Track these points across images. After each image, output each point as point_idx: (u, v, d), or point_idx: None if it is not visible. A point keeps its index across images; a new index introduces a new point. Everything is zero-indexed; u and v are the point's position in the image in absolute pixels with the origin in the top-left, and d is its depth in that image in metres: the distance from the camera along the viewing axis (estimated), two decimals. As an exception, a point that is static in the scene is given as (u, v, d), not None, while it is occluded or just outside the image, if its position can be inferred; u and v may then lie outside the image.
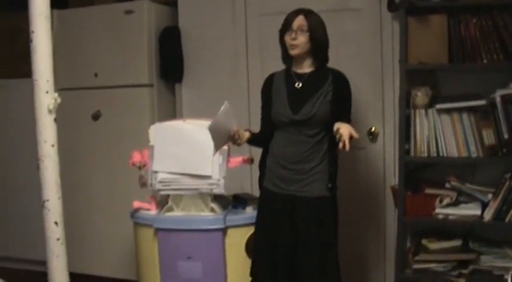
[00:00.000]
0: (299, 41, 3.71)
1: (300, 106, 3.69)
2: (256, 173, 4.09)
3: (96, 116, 5.23)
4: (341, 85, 3.78)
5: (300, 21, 3.73)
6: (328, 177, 3.75)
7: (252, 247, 3.97)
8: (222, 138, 3.64)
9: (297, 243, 3.73)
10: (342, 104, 3.76)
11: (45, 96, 3.16)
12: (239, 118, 4.33)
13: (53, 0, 2.71)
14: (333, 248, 3.76)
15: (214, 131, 3.54)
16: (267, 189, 3.87)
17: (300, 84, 3.79)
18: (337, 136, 3.45)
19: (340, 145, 3.42)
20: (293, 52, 3.75)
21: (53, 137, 3.52)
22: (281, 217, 3.77)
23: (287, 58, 3.86)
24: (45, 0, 2.76)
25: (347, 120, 3.72)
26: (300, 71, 3.83)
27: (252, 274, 3.94)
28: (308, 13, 3.76)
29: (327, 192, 3.74)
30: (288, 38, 3.75)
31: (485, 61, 4.07)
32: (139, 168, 4.22)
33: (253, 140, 3.86)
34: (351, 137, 3.44)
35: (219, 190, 4.05)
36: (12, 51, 5.61)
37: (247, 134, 3.78)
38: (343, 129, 3.44)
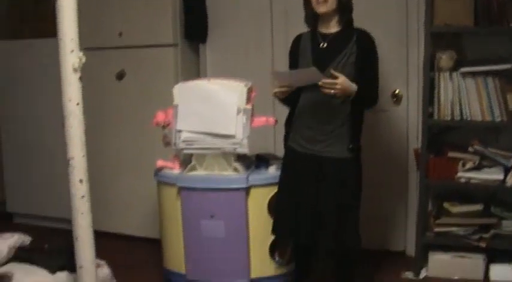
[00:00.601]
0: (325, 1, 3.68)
1: (324, 67, 3.67)
2: (279, 133, 4.11)
3: (120, 75, 5.25)
4: (365, 45, 3.75)
5: None
6: (349, 138, 3.76)
7: (274, 206, 4.01)
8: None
9: (319, 203, 3.76)
10: (366, 65, 3.73)
11: (70, 55, 3.18)
12: (262, 79, 4.35)
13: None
14: (353, 209, 3.79)
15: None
16: (292, 149, 3.89)
17: (325, 45, 3.78)
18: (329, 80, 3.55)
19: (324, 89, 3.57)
20: (320, 10, 3.71)
21: (77, 95, 3.55)
22: (304, 176, 3.80)
23: (311, 19, 3.84)
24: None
25: (371, 81, 3.74)
26: (325, 31, 3.81)
27: (273, 232, 3.99)
28: None
29: (348, 154, 3.75)
30: None
31: (511, 25, 4.03)
32: (163, 127, 4.24)
33: (285, 99, 3.87)
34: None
35: (243, 150, 4.06)
36: (38, 11, 5.63)
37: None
38: (340, 81, 3.56)
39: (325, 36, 3.80)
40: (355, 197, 3.81)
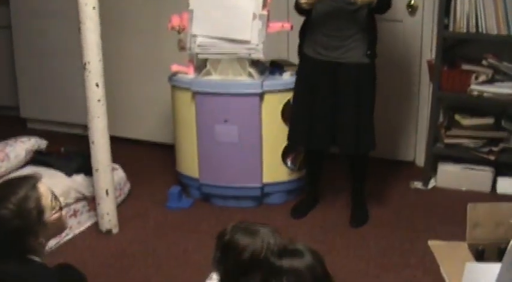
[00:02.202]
0: None
1: None
2: (293, 39, 4.10)
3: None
4: None
5: None
6: (367, 44, 3.78)
7: (290, 112, 4.05)
8: None
9: (336, 108, 3.82)
10: None
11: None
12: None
13: None
14: (370, 113, 3.87)
15: None
16: (308, 56, 3.90)
17: None
18: None
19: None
20: None
21: (93, -1, 3.57)
22: (321, 82, 3.84)
23: None
24: None
25: None
26: None
27: (289, 138, 4.06)
28: None
29: (365, 59, 3.78)
30: None
31: None
32: (179, 32, 4.23)
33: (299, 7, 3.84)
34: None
35: (258, 55, 4.07)
36: None
37: None
38: None
39: None
40: (371, 102, 3.88)
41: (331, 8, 3.73)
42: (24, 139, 4.25)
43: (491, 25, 4.14)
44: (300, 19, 3.96)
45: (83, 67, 3.68)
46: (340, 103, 3.82)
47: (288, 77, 4.19)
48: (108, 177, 3.90)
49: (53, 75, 5.69)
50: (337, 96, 3.82)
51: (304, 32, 3.93)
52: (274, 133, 4.15)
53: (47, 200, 2.17)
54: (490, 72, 4.26)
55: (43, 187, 2.20)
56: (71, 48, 5.02)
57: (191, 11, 4.15)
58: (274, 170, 4.24)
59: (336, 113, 3.84)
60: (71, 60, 5.10)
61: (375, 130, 3.95)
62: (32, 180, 2.18)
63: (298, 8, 3.84)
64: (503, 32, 4.13)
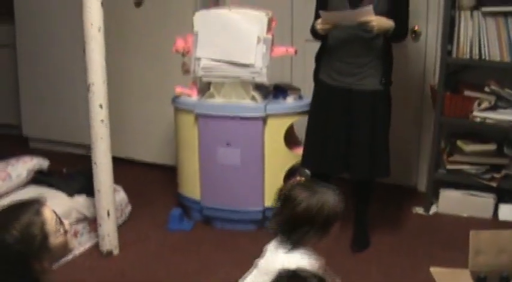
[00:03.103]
0: None
1: (358, 2, 3.66)
2: (297, 64, 4.11)
3: (138, 2, 5.22)
4: None
5: None
6: (382, 72, 3.79)
7: (305, 138, 4.05)
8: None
9: (350, 134, 3.83)
10: (399, 1, 3.74)
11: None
12: (281, 8, 4.30)
13: None
14: (384, 138, 3.88)
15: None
16: (323, 82, 3.91)
17: None
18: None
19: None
20: None
21: (99, 20, 3.58)
22: (335, 108, 3.85)
23: None
24: None
25: (402, 16, 3.74)
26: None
27: (303, 164, 4.04)
28: None
29: (380, 87, 3.80)
30: None
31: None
32: (183, 55, 4.25)
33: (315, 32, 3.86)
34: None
35: (261, 79, 4.08)
36: None
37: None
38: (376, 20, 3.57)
39: None
40: (386, 128, 3.90)
41: (348, 34, 3.74)
42: (27, 159, 4.24)
43: (494, 52, 4.16)
44: (303, 45, 3.98)
45: (87, 88, 3.69)
46: (355, 129, 3.82)
47: (291, 101, 4.21)
48: (110, 198, 3.89)
49: (57, 94, 5.70)
50: (351, 122, 3.82)
51: (320, 57, 3.94)
52: (277, 157, 4.15)
53: (51, 225, 2.16)
54: (492, 98, 4.27)
55: (48, 211, 2.19)
56: (75, 68, 5.05)
57: (196, 34, 4.17)
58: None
59: (350, 139, 3.85)
60: (75, 80, 5.12)
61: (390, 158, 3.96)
62: (36, 205, 2.17)
63: (314, 33, 3.85)
64: (506, 58, 4.15)
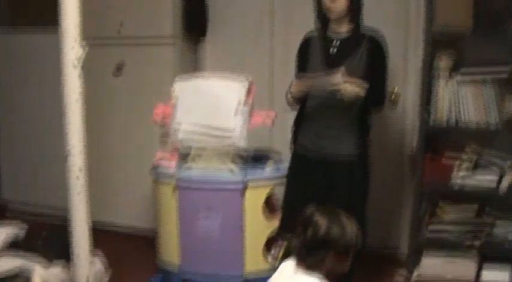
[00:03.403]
0: (338, 2, 3.69)
1: (336, 66, 3.68)
2: (277, 130, 4.11)
3: (119, 67, 5.24)
4: (375, 50, 3.76)
5: None
6: (358, 137, 3.80)
7: (282, 202, 4.02)
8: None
9: (327, 201, 3.79)
10: (374, 69, 3.75)
11: (72, 50, 3.20)
12: (261, 74, 4.33)
13: None
14: (361, 208, 3.84)
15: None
16: (301, 147, 3.91)
17: (336, 48, 3.78)
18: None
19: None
20: (332, 10, 3.71)
21: (78, 90, 3.57)
22: (313, 175, 3.83)
23: (322, 20, 3.84)
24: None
25: (378, 84, 3.75)
26: (335, 33, 3.80)
27: (281, 229, 4.00)
28: None
29: (357, 152, 3.79)
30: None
31: (511, 28, 4.05)
32: (162, 122, 4.25)
33: (298, 100, 3.88)
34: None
35: (241, 144, 4.08)
36: (40, 1, 5.62)
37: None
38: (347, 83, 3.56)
39: (335, 40, 3.79)
40: (363, 197, 3.87)
41: (325, 100, 3.74)
42: (5, 223, 4.20)
43: (472, 116, 4.18)
44: (283, 111, 3.98)
45: (65, 157, 3.66)
46: (332, 197, 3.79)
47: (270, 167, 4.20)
48: (88, 266, 3.83)
49: (36, 159, 5.69)
50: (328, 188, 3.80)
51: (297, 123, 3.95)
52: (257, 224, 4.12)
53: None
54: (471, 162, 4.27)
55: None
56: (54, 134, 5.03)
57: (176, 100, 4.17)
58: (256, 262, 4.19)
59: (327, 204, 3.81)
60: (54, 146, 5.10)
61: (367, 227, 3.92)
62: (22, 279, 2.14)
63: (290, 102, 3.87)
64: (484, 122, 4.16)
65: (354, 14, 3.75)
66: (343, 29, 3.79)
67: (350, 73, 3.63)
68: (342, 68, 3.55)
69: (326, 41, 3.82)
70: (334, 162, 3.79)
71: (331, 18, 3.76)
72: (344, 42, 3.78)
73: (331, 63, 3.74)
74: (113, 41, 5.23)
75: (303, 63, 3.89)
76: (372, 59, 3.74)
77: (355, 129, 3.79)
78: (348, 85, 3.56)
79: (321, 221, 2.52)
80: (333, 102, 3.71)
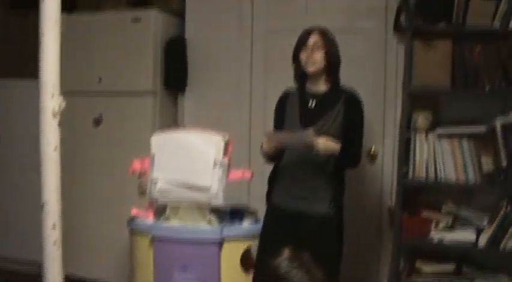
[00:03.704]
0: (315, 57, 3.73)
1: (311, 125, 3.71)
2: (254, 185, 4.10)
3: (97, 121, 5.24)
4: (352, 108, 3.80)
5: (315, 38, 3.76)
6: (332, 196, 3.78)
7: (256, 258, 3.98)
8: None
9: (300, 260, 3.74)
10: (352, 126, 3.78)
11: (51, 100, 3.17)
12: (239, 131, 4.34)
13: (61, 3, 2.73)
14: (333, 271, 3.78)
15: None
16: (275, 205, 3.90)
17: (313, 104, 3.82)
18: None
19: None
20: (310, 69, 3.76)
21: (56, 140, 3.54)
22: (286, 231, 3.79)
23: (300, 77, 3.88)
24: (56, 4, 2.78)
25: (355, 141, 3.78)
26: (313, 90, 3.85)
27: None
28: (323, 31, 3.81)
29: (330, 211, 3.77)
30: (304, 56, 3.77)
31: (487, 88, 4.10)
32: (139, 176, 4.22)
33: (272, 157, 3.88)
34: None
35: (218, 202, 4.06)
36: (20, 51, 5.63)
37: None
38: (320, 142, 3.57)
39: (313, 96, 3.84)
40: (336, 258, 3.83)
41: (299, 157, 3.76)
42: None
43: (449, 173, 4.20)
44: (260, 167, 3.99)
45: (40, 207, 3.61)
46: (305, 255, 3.74)
47: (247, 224, 4.18)
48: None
49: (13, 212, 5.63)
50: (301, 247, 3.74)
51: (272, 179, 3.95)
52: (233, 279, 4.06)
53: None
54: (450, 218, 4.27)
55: None
56: (30, 186, 4.98)
57: (152, 156, 4.15)
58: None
59: None
60: (30, 198, 5.04)
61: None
62: None
63: (265, 156, 3.87)
64: (462, 179, 4.18)
65: (332, 71, 3.80)
66: (321, 86, 3.84)
67: (328, 129, 3.68)
68: (311, 130, 3.55)
69: (304, 96, 3.86)
70: (307, 221, 3.77)
71: (309, 74, 3.81)
72: (322, 98, 3.82)
73: (310, 118, 3.77)
74: (93, 93, 5.23)
75: (281, 117, 3.92)
76: (349, 116, 3.77)
77: (330, 187, 3.79)
78: (321, 142, 3.57)
79: (293, 279, 2.45)
80: (308, 159, 3.72)
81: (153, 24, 5.09)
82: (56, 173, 3.57)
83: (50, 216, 3.57)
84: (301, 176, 3.78)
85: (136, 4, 5.35)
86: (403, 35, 4.28)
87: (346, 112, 3.77)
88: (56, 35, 2.86)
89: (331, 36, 3.83)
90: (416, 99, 4.32)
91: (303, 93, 3.89)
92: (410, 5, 4.13)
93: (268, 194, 3.97)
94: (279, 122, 3.93)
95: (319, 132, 3.66)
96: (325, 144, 3.60)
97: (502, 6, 4.03)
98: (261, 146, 3.86)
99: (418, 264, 4.39)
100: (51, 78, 3.10)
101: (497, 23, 4.04)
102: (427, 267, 4.36)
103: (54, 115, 3.19)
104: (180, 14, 5.33)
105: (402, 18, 4.24)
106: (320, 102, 3.82)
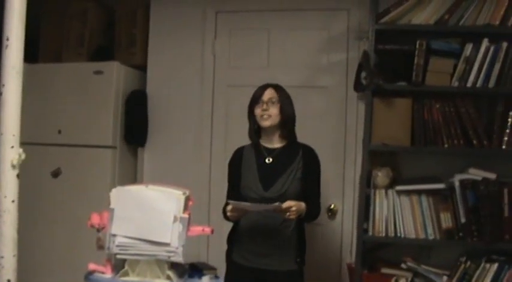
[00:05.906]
0: (270, 112, 3.75)
1: (271, 183, 3.71)
2: (214, 243, 4.06)
3: (56, 174, 5.17)
4: (311, 161, 3.82)
5: (270, 93, 3.79)
6: (296, 251, 3.77)
7: None
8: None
9: None
10: (310, 181, 3.79)
11: (10, 151, 3.13)
12: (199, 187, 4.31)
13: (24, 53, 2.71)
14: None
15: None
16: (236, 263, 3.86)
17: (271, 160, 3.82)
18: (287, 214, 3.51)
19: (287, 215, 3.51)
20: (265, 123, 3.78)
21: (14, 192, 3.48)
22: None
23: (255, 133, 3.90)
24: (19, 55, 2.76)
25: (315, 196, 3.78)
26: (269, 145, 3.87)
27: None
28: (277, 86, 3.85)
29: (295, 267, 3.76)
30: (259, 110, 3.79)
31: (446, 145, 4.16)
32: (98, 230, 4.16)
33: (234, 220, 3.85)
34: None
35: (177, 258, 4.00)
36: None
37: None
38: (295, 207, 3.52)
39: (270, 151, 3.85)
40: None
41: (260, 216, 3.74)
42: None
43: (409, 229, 4.23)
44: (220, 224, 3.97)
45: (-5, 262, 3.54)
46: None
47: (207, 281, 4.12)
48: None
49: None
50: None
51: (232, 238, 3.93)
52: None
53: None
54: (409, 275, 4.29)
55: None
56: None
57: (112, 210, 4.10)
58: None
59: None
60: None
61: None
62: None
63: (228, 220, 3.85)
64: (421, 235, 4.21)
65: (287, 126, 3.83)
66: (276, 142, 3.86)
67: (288, 188, 3.69)
68: (278, 204, 3.50)
69: (260, 151, 3.87)
70: (275, 277, 3.75)
71: (264, 129, 3.83)
72: (279, 153, 3.83)
73: (268, 175, 3.77)
74: (52, 145, 5.17)
75: (237, 173, 3.90)
76: (308, 169, 3.79)
77: (293, 243, 3.78)
78: (293, 209, 3.53)
79: None
80: (269, 217, 3.71)
81: (115, 77, 5.07)
82: (13, 226, 3.52)
83: (6, 270, 3.51)
84: (263, 234, 3.76)
85: (98, 57, 5.34)
86: (364, 93, 4.33)
87: (305, 165, 3.78)
88: (18, 85, 2.85)
89: (285, 92, 3.86)
90: (376, 156, 4.36)
91: (258, 148, 3.90)
92: (371, 64, 4.19)
93: (228, 253, 3.94)
94: (235, 178, 3.90)
95: (281, 195, 3.67)
96: (297, 210, 3.55)
97: (460, 66, 4.12)
98: (223, 210, 3.84)
99: (378, 321, 4.38)
100: (11, 129, 3.08)
101: (455, 82, 4.13)
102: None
103: (13, 167, 3.15)
104: (142, 68, 5.33)
105: (362, 76, 4.30)
106: (277, 157, 3.83)
